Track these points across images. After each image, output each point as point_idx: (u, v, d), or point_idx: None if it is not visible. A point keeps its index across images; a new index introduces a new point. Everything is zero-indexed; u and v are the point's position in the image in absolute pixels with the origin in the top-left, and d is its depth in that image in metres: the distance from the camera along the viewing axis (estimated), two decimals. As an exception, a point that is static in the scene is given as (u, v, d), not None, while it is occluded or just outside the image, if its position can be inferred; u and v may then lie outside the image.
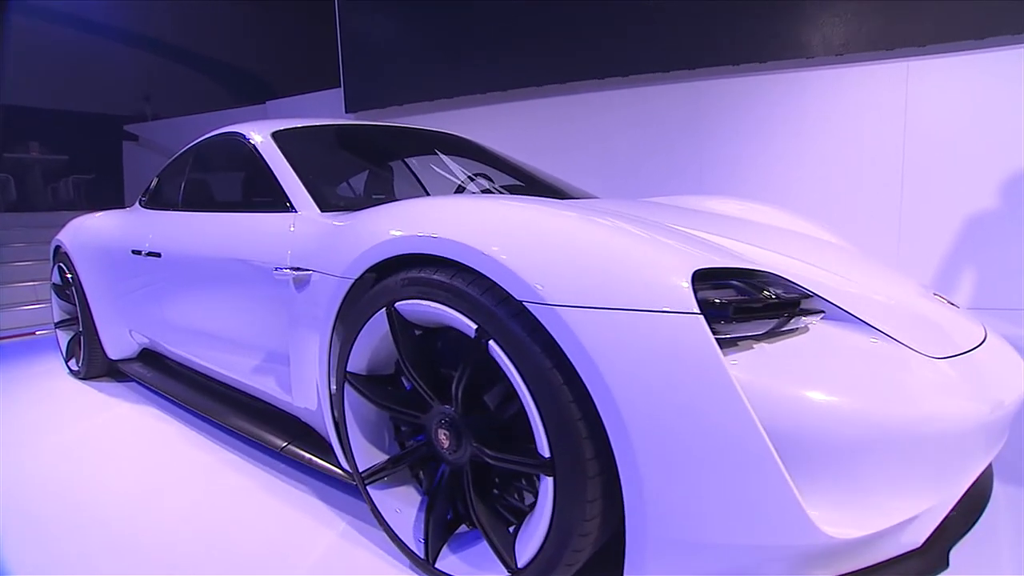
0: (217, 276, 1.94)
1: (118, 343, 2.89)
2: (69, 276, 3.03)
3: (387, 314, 1.25)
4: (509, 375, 1.06)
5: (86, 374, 3.06)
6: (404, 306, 1.23)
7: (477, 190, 2.30)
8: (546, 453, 1.02)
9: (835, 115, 3.92)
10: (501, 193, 2.27)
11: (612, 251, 1.03)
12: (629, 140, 4.35)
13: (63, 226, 3.31)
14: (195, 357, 2.26)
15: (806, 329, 1.10)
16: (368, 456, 1.42)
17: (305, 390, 1.63)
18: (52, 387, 3.03)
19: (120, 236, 2.76)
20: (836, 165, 3.96)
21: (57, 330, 3.32)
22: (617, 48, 4.23)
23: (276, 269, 1.60)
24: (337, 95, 5.41)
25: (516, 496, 1.26)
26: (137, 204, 3.12)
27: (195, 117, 6.58)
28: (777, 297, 1.08)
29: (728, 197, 2.22)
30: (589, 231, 1.08)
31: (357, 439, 1.42)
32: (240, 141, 2.26)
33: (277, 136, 2.10)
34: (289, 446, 1.77)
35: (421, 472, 1.42)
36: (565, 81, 4.39)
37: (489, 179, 2.37)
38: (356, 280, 1.33)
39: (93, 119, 7.34)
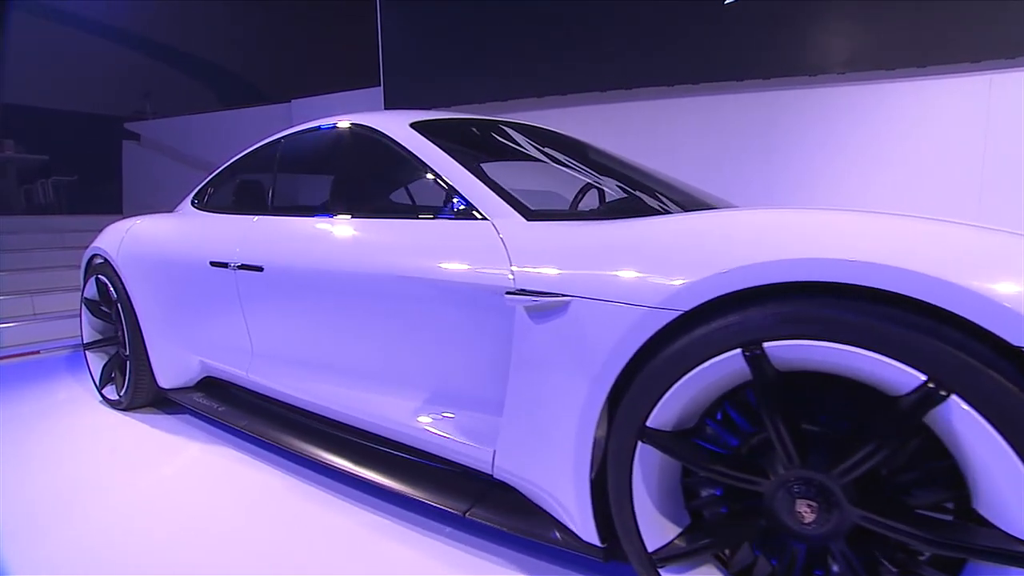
0: (374, 299, 1.58)
1: (174, 370, 2.48)
2: (112, 291, 2.60)
3: (749, 357, 0.97)
4: (966, 438, 0.82)
5: (129, 404, 2.63)
6: (777, 347, 0.95)
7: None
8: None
9: (913, 128, 3.82)
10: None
11: None
12: (697, 148, 4.15)
13: (99, 232, 2.88)
14: (309, 395, 1.87)
15: None
16: (659, 531, 1.12)
17: (522, 444, 1.31)
18: (90, 421, 2.57)
19: (188, 245, 2.35)
20: (911, 178, 3.85)
21: (87, 352, 2.86)
22: (688, 55, 4.05)
23: (507, 293, 1.27)
24: (369, 95, 5.06)
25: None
26: (188, 206, 2.73)
27: (209, 115, 6.07)
28: None
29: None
30: None
31: (646, 510, 1.12)
32: (359, 134, 1.93)
33: (421, 128, 1.78)
34: (475, 509, 1.44)
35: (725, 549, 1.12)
36: (631, 87, 4.18)
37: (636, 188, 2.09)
38: (685, 313, 1.03)
39: (92, 117, 6.71)
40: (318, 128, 2.18)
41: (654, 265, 1.09)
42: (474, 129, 1.97)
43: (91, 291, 2.78)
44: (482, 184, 1.52)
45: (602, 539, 1.22)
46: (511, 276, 1.29)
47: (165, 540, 1.59)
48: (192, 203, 2.73)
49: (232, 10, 7.09)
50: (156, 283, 2.44)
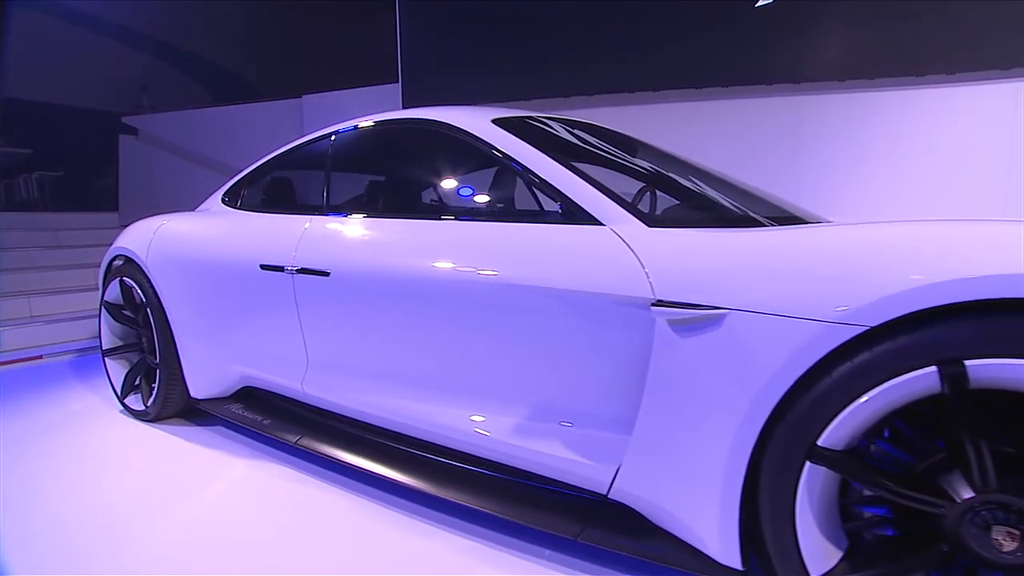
0: (475, 309, 1.46)
1: (210, 379, 2.32)
2: (139, 294, 2.42)
3: (947, 376, 0.91)
4: None
5: (157, 415, 2.46)
6: (981, 366, 0.89)
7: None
8: None
9: (940, 133, 3.83)
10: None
11: None
12: (726, 151, 4.11)
13: (122, 230, 2.69)
14: (383, 411, 1.74)
15: None
16: (822, 555, 1.05)
17: (657, 464, 1.22)
18: (116, 435, 2.40)
19: (231, 246, 2.20)
20: (936, 183, 3.87)
21: (107, 358, 2.67)
22: (718, 58, 4.01)
23: (654, 304, 1.18)
24: (386, 91, 4.91)
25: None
26: (218, 204, 2.57)
27: (215, 110, 5.83)
28: None
29: None
30: None
31: (810, 533, 1.05)
32: (432, 131, 1.82)
33: (504, 126, 1.68)
34: (587, 531, 1.35)
35: None
36: (659, 89, 4.12)
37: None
38: (871, 329, 0.96)
39: (86, 111, 6.36)
40: (375, 123, 2.05)
41: (833, 277, 1.01)
42: (557, 128, 1.87)
43: (113, 294, 2.60)
44: (591, 186, 1.43)
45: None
46: (649, 286, 1.20)
47: (230, 571, 1.46)
48: (223, 201, 2.57)
49: (240, 2, 6.84)
50: (192, 287, 2.28)
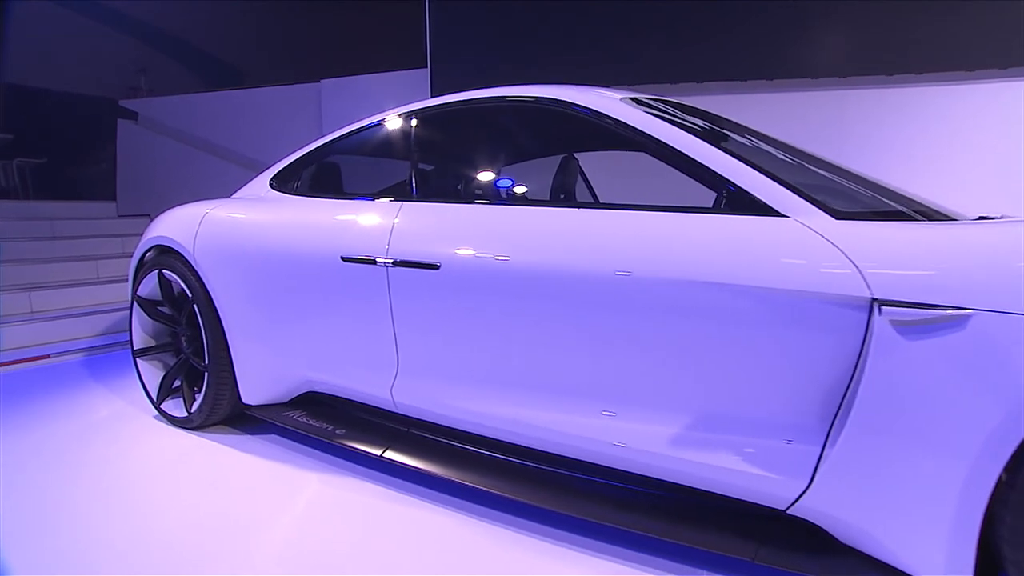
0: (637, 307, 1.29)
1: (266, 384, 2.11)
2: (183, 289, 2.19)
3: None
4: None
5: (203, 423, 2.23)
6: None
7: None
8: None
9: (991, 130, 3.80)
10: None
11: None
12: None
13: (156, 218, 2.45)
14: (498, 421, 1.56)
15: None
16: None
17: (866, 481, 1.09)
18: (159, 444, 2.16)
19: (301, 236, 1.98)
20: (988, 181, 3.83)
21: (139, 360, 2.42)
22: (762, 50, 3.91)
23: (882, 305, 1.04)
24: (410, 76, 4.70)
25: None
26: (266, 190, 2.36)
27: (227, 94, 5.49)
28: None
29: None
30: None
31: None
32: (546, 110, 1.65)
33: (642, 106, 1.52)
34: (763, 551, 1.21)
35: None
36: (702, 80, 4.01)
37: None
38: None
39: (81, 95, 5.91)
40: (471, 101, 1.85)
41: None
42: (686, 114, 1.69)
43: (148, 288, 2.35)
44: (762, 175, 1.28)
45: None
46: (864, 284, 1.06)
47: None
48: (271, 186, 2.35)
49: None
50: (250, 281, 2.06)
